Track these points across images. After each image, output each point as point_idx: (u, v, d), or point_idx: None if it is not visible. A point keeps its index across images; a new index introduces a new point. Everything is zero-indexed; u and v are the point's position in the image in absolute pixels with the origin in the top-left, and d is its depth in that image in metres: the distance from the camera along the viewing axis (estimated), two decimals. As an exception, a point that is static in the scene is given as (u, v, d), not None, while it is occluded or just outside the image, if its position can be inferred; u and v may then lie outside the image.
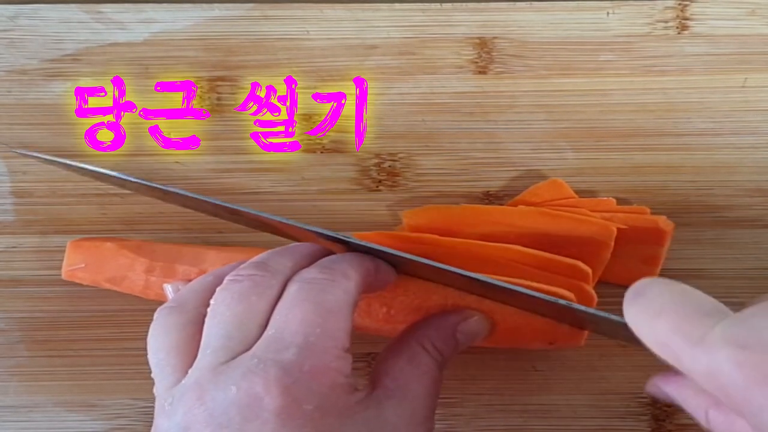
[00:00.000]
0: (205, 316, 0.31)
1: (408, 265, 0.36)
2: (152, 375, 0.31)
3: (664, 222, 0.38)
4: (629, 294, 0.29)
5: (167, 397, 0.30)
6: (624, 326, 0.29)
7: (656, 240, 0.38)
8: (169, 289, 0.37)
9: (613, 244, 0.37)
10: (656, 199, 0.40)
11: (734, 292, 0.39)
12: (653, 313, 0.27)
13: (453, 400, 0.40)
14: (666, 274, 0.39)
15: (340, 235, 0.33)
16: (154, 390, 0.31)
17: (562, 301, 0.32)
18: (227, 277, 0.32)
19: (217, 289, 0.31)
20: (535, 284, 0.34)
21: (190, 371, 0.30)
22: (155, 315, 0.32)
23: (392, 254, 0.34)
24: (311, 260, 0.33)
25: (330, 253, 0.34)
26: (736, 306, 0.27)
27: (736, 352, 0.25)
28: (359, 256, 0.33)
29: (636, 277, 0.38)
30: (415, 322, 0.35)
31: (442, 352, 0.34)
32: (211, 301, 0.31)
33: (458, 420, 0.40)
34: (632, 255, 0.38)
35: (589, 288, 0.36)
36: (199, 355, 0.30)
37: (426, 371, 0.33)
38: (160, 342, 0.31)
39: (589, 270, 0.36)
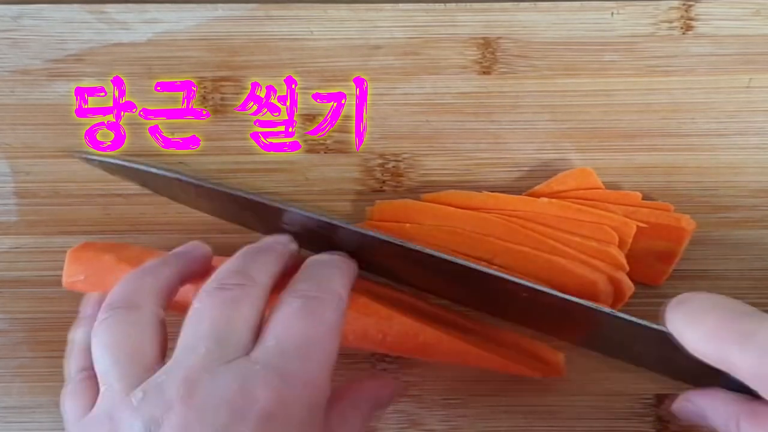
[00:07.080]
0: (159, 316, 0.32)
1: (407, 272, 0.37)
2: (102, 373, 0.31)
3: (687, 221, 0.38)
4: (673, 303, 0.30)
5: (136, 393, 0.29)
6: (660, 335, 0.30)
7: (675, 238, 0.38)
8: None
9: (630, 240, 0.37)
10: (661, 199, 0.40)
11: (739, 293, 0.39)
12: (699, 316, 0.29)
13: (457, 401, 0.40)
14: (671, 274, 0.39)
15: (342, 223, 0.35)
16: (103, 388, 0.31)
17: (590, 304, 0.33)
18: (211, 284, 0.32)
19: (202, 293, 0.32)
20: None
21: (169, 367, 0.30)
22: (105, 314, 0.32)
23: (400, 245, 0.35)
24: (286, 262, 0.34)
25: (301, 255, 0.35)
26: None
27: None
28: (347, 265, 0.35)
29: (649, 272, 0.39)
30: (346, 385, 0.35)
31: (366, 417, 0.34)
32: (195, 304, 0.32)
33: (463, 421, 0.40)
34: (648, 251, 0.38)
35: (623, 275, 0.37)
36: (180, 354, 0.30)
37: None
38: (119, 340, 0.31)
39: (615, 235, 0.37)
